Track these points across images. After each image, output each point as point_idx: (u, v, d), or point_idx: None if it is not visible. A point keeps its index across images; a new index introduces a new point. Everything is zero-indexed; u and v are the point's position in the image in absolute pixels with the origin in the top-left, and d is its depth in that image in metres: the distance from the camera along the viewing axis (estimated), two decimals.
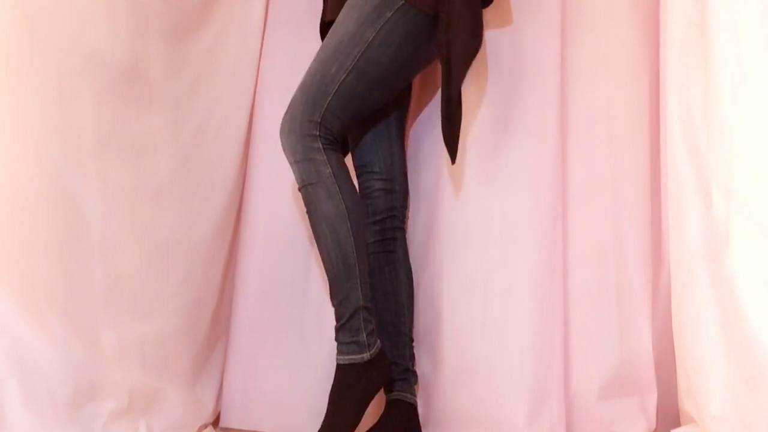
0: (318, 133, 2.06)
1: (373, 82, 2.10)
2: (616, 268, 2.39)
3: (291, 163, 2.08)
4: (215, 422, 2.40)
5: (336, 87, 2.07)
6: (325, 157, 2.06)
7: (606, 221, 2.41)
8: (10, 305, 1.75)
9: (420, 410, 2.33)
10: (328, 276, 2.08)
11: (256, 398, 2.39)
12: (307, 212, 2.08)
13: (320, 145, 2.07)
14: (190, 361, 2.28)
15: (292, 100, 2.11)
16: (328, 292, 2.09)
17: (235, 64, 2.44)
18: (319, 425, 2.03)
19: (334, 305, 2.07)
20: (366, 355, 2.05)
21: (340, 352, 2.06)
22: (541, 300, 2.35)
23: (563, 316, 2.36)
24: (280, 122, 2.11)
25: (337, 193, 2.06)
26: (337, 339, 2.07)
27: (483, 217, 2.42)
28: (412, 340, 2.31)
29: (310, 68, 2.12)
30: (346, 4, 2.14)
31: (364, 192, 2.28)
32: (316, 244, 2.10)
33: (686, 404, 2.12)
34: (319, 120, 2.06)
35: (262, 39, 2.51)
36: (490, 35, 2.41)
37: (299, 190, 2.08)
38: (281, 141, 2.10)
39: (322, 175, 2.06)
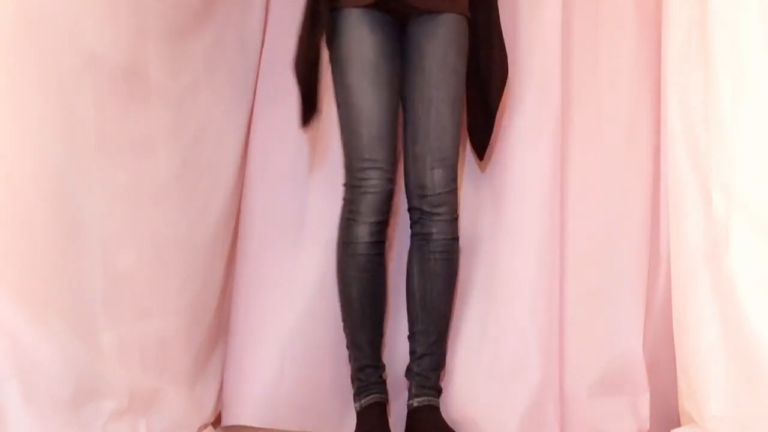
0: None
1: None
2: (611, 269, 2.40)
3: (451, 220, 2.23)
4: (215, 422, 2.40)
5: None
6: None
7: (604, 222, 2.42)
8: (10, 305, 1.74)
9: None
10: (441, 322, 2.26)
11: (255, 396, 2.39)
12: (452, 261, 2.25)
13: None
14: (190, 361, 2.28)
15: (439, 149, 2.21)
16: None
17: (235, 64, 2.44)
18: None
19: (436, 351, 2.26)
20: None
21: (437, 396, 2.26)
22: (540, 301, 2.35)
23: (559, 317, 2.36)
24: (432, 175, 2.21)
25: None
26: (435, 386, 2.26)
27: (482, 218, 2.42)
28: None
29: (453, 122, 2.21)
30: (452, 42, 2.23)
31: (368, 189, 2.21)
32: (431, 286, 2.24)
33: (686, 404, 2.12)
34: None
35: (262, 39, 2.51)
36: None
37: (453, 242, 2.24)
38: (438, 196, 2.21)
39: (457, 234, 2.27)
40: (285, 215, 2.48)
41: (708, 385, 2.00)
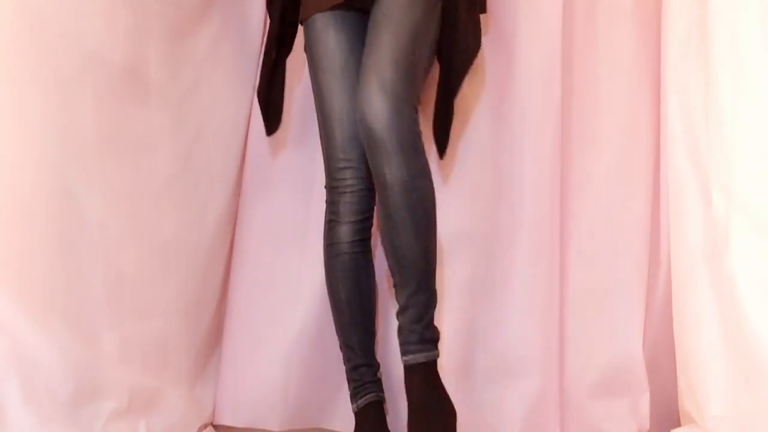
0: (417, 120, 2.04)
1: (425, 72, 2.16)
2: (611, 269, 2.40)
3: (394, 153, 1.99)
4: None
5: (419, 75, 2.10)
6: (424, 148, 2.05)
7: (604, 222, 2.42)
8: (10, 305, 1.74)
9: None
10: (417, 271, 2.04)
11: (250, 396, 2.39)
12: (412, 206, 2.01)
13: (420, 134, 2.05)
14: (190, 361, 2.28)
15: (376, 76, 2.01)
16: (405, 287, 2.04)
17: (235, 64, 2.44)
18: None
19: (417, 301, 2.05)
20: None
21: (427, 350, 2.09)
22: (539, 301, 2.35)
23: (559, 317, 2.36)
24: (364, 102, 2.00)
25: (434, 191, 2.07)
26: (421, 339, 2.09)
27: (480, 217, 2.42)
28: None
29: (392, 46, 2.04)
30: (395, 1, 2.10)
31: (345, 189, 2.17)
32: (396, 233, 2.03)
33: (686, 404, 2.12)
34: (417, 107, 2.06)
35: (262, 39, 2.50)
36: (490, 36, 2.41)
37: (401, 183, 1.99)
38: (376, 125, 1.99)
39: (428, 170, 2.05)
40: (285, 216, 2.48)
41: (708, 385, 2.00)
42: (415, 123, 2.03)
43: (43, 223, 1.84)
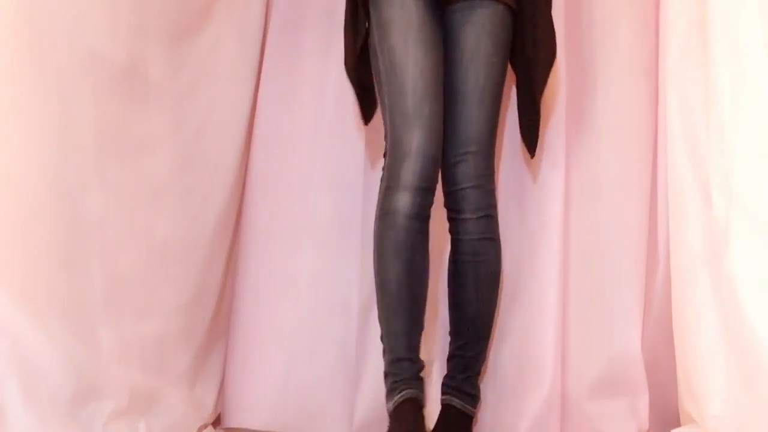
0: (495, 186, 2.17)
1: None
2: (610, 269, 2.40)
3: (477, 219, 2.11)
4: (215, 422, 2.40)
5: (497, 131, 2.17)
6: (497, 214, 2.17)
7: (603, 222, 2.42)
8: (10, 305, 1.74)
9: None
10: (471, 328, 2.16)
11: (256, 398, 2.39)
12: (479, 266, 2.13)
13: (496, 200, 2.17)
14: (190, 361, 2.28)
15: (462, 142, 2.10)
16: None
17: (235, 64, 2.44)
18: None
19: (465, 354, 2.18)
20: (477, 411, 2.22)
21: (462, 399, 2.18)
22: (540, 302, 2.35)
23: (559, 317, 2.37)
24: (454, 170, 2.10)
25: (500, 257, 2.18)
26: (458, 388, 2.18)
27: None
28: None
29: (481, 112, 2.12)
30: (485, 33, 2.13)
31: (410, 151, 2.05)
32: (464, 292, 2.15)
33: (686, 404, 2.12)
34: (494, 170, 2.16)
35: (263, 38, 2.51)
36: None
37: (473, 243, 2.12)
38: (460, 191, 2.11)
39: (498, 236, 2.16)
40: (286, 215, 2.48)
41: (708, 385, 2.00)
42: (493, 184, 2.14)
43: (43, 223, 1.84)
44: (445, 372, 2.22)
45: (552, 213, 2.38)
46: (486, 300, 2.16)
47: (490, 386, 2.35)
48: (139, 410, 1.98)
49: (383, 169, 2.09)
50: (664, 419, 2.33)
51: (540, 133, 2.20)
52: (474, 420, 2.21)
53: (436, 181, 2.08)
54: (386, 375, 2.09)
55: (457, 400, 2.17)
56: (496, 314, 2.22)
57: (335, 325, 2.40)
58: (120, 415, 1.91)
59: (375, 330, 2.37)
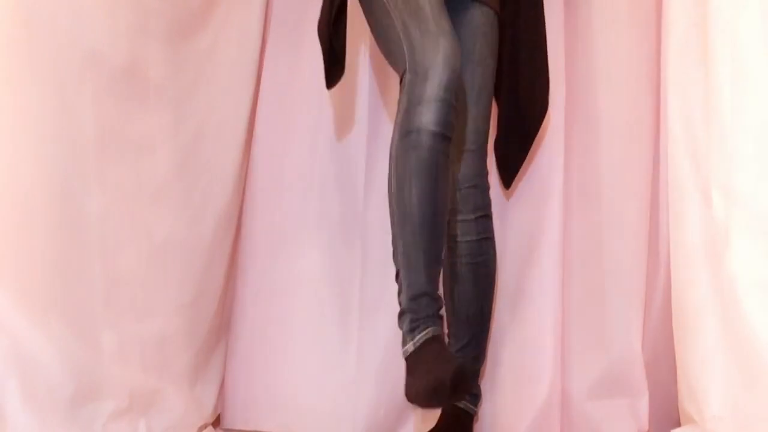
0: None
1: None
2: (610, 269, 2.40)
3: (475, 219, 2.16)
4: (215, 422, 2.40)
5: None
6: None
7: (603, 222, 2.42)
8: (10, 305, 1.74)
9: (420, 412, 2.33)
10: (471, 328, 2.19)
11: (257, 398, 2.39)
12: (476, 266, 2.18)
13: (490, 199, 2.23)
14: (190, 361, 2.28)
15: (460, 141, 2.12)
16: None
17: (235, 64, 2.44)
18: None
19: (466, 355, 2.17)
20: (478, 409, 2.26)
21: (465, 400, 2.19)
22: (540, 302, 2.35)
23: (559, 318, 2.37)
24: (460, 171, 2.14)
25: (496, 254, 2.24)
26: None
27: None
28: None
29: (478, 112, 2.16)
30: (480, 33, 2.16)
31: (434, 63, 1.89)
32: (464, 291, 2.18)
33: (686, 404, 2.12)
34: None
35: (263, 38, 2.51)
36: None
37: (470, 244, 2.16)
38: (463, 193, 2.15)
39: (492, 233, 2.24)
40: (286, 215, 2.48)
41: (708, 385, 2.00)
42: (488, 183, 2.20)
43: (43, 223, 1.84)
44: None
45: (552, 213, 2.38)
46: (485, 300, 2.19)
47: (489, 386, 2.35)
48: (139, 410, 1.98)
49: (402, 84, 1.91)
50: (664, 419, 2.33)
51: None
52: (475, 419, 2.22)
53: (459, 102, 1.92)
54: (402, 313, 1.87)
55: (460, 402, 2.18)
56: (493, 312, 2.25)
57: (336, 325, 2.40)
58: (120, 415, 1.91)
59: (376, 331, 2.38)
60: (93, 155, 1.96)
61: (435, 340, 1.82)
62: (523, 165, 2.36)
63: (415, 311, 1.84)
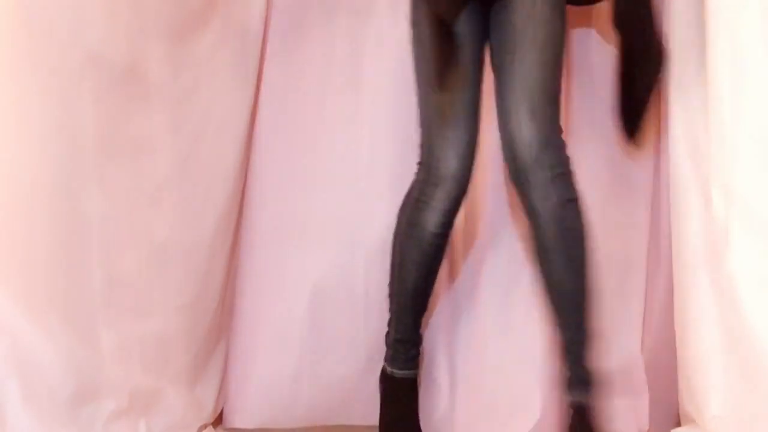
0: (565, 145, 2.00)
1: None
2: (610, 269, 2.39)
3: (543, 183, 1.95)
4: (215, 422, 2.40)
5: (558, 92, 2.02)
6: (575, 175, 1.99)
7: (603, 223, 2.41)
8: (10, 305, 1.74)
9: (423, 414, 2.32)
10: (569, 301, 1.99)
11: (257, 398, 2.39)
12: (567, 229, 1.96)
13: (569, 159, 2.00)
14: (190, 361, 2.28)
15: (526, 102, 1.96)
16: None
17: (235, 64, 2.44)
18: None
19: (581, 339, 2.01)
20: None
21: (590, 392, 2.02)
22: (540, 302, 2.35)
23: None
24: (513, 131, 1.96)
25: (585, 211, 1.99)
26: (588, 380, 2.01)
27: (484, 221, 2.42)
28: None
29: (540, 67, 1.98)
30: None
31: (446, 171, 2.09)
32: (548, 266, 1.99)
33: (686, 404, 2.12)
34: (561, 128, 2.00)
35: (263, 38, 2.51)
36: None
37: (550, 212, 1.95)
38: (526, 155, 1.95)
39: (578, 198, 1.99)
40: (286, 215, 2.48)
41: (708, 385, 2.00)
42: (563, 149, 2.00)
43: (43, 223, 1.85)
44: None
45: None
46: (580, 270, 2.01)
47: (489, 385, 2.35)
48: (139, 410, 1.98)
49: (417, 178, 2.14)
50: (664, 419, 2.33)
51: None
52: (590, 410, 2.03)
53: (466, 194, 2.12)
54: (388, 344, 2.23)
55: (572, 393, 2.04)
56: (592, 284, 2.03)
57: (337, 326, 2.40)
58: (120, 415, 1.91)
59: (377, 331, 2.38)
60: (93, 155, 1.96)
61: (408, 386, 2.21)
62: None
63: (398, 350, 2.21)
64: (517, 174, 1.99)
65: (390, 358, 2.24)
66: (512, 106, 1.98)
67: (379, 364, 2.33)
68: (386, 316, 2.31)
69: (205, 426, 2.29)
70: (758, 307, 1.86)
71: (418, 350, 2.25)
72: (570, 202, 1.98)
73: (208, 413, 2.34)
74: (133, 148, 2.09)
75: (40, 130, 1.84)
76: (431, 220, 2.10)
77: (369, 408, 2.34)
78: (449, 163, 2.06)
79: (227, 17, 2.40)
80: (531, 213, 1.98)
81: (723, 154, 1.95)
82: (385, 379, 2.25)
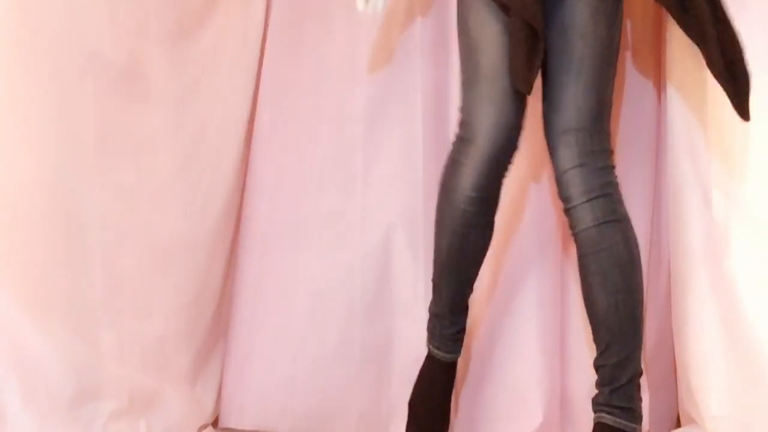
0: (612, 164, 1.92)
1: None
2: None
3: (588, 202, 1.89)
4: (215, 422, 2.40)
5: (609, 106, 1.94)
6: (620, 193, 1.92)
7: None
8: (10, 305, 1.74)
9: None
10: (607, 329, 1.89)
11: (257, 398, 2.39)
12: (599, 257, 1.90)
13: (615, 179, 1.92)
14: (190, 361, 2.28)
15: (564, 120, 1.92)
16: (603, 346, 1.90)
17: (236, 64, 2.44)
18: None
19: (606, 362, 1.90)
20: (638, 427, 1.91)
21: (613, 414, 1.90)
22: (543, 303, 2.34)
23: (559, 318, 2.36)
24: (558, 152, 1.92)
25: (633, 237, 1.92)
26: (608, 402, 1.91)
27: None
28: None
29: (581, 76, 1.91)
30: (583, 3, 1.92)
31: (482, 127, 1.98)
32: (591, 289, 1.91)
33: (686, 404, 2.12)
34: (610, 148, 1.91)
35: (263, 38, 2.50)
36: None
37: (588, 234, 1.89)
38: (564, 175, 1.90)
39: (620, 215, 1.91)
40: (286, 215, 2.47)
41: (708, 385, 2.00)
42: (605, 168, 1.92)
43: (43, 223, 1.84)
44: None
45: (551, 212, 2.37)
46: (619, 295, 1.91)
47: (489, 387, 2.35)
48: (139, 410, 1.98)
49: (456, 136, 2.03)
50: (664, 419, 2.33)
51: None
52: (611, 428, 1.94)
53: (508, 165, 2.01)
54: (429, 313, 2.13)
55: (607, 416, 1.93)
56: (639, 309, 1.93)
57: (336, 326, 2.39)
58: (120, 415, 1.91)
59: (377, 331, 2.37)
60: (93, 155, 1.96)
61: (441, 369, 2.11)
62: (523, 166, 2.35)
63: (434, 325, 2.11)
64: (561, 194, 1.94)
65: (429, 331, 2.12)
66: (557, 125, 1.94)
67: (376, 365, 2.33)
68: (383, 315, 2.31)
69: (205, 426, 2.29)
70: (758, 307, 1.86)
71: (457, 331, 2.09)
72: (608, 224, 1.91)
73: (208, 413, 2.34)
74: (134, 148, 2.09)
75: (40, 130, 1.84)
76: (465, 182, 1.98)
77: (365, 412, 2.34)
78: (483, 118, 1.96)
79: (227, 17, 2.40)
80: (574, 234, 1.95)
81: (723, 155, 1.95)
82: (427, 355, 2.13)
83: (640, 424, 1.94)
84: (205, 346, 2.36)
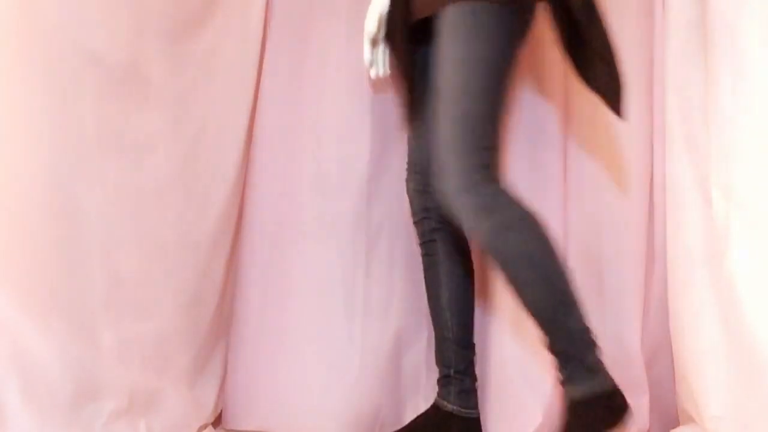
0: (489, 173, 1.92)
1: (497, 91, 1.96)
2: (609, 270, 2.39)
3: (467, 219, 1.90)
4: (215, 422, 2.40)
5: (487, 112, 1.93)
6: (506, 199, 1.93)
7: (601, 222, 2.42)
8: (10, 305, 1.75)
9: None
10: (536, 319, 1.90)
11: (257, 398, 2.39)
12: (503, 262, 1.90)
13: (496, 188, 1.93)
14: (190, 361, 2.28)
15: (438, 158, 1.93)
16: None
17: (235, 64, 2.44)
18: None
19: (549, 348, 1.93)
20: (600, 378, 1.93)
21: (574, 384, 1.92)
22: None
23: None
24: (435, 176, 1.95)
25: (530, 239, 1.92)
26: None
27: None
28: (466, 345, 2.26)
29: (444, 102, 1.94)
30: (443, 37, 1.96)
31: (410, 191, 2.30)
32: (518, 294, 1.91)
33: (686, 404, 2.12)
34: (490, 148, 1.94)
35: (263, 38, 2.51)
36: None
37: (486, 246, 1.90)
38: (447, 198, 1.92)
39: (512, 221, 1.92)
40: (286, 215, 2.48)
41: (708, 385, 2.00)
42: (484, 180, 1.91)
43: (44, 223, 1.85)
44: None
45: (550, 212, 2.37)
46: (526, 287, 1.92)
47: (488, 386, 2.35)
48: (139, 410, 1.98)
49: None
50: (664, 419, 2.33)
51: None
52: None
53: (429, 209, 2.24)
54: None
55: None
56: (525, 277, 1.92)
57: (337, 326, 2.39)
58: (120, 415, 1.91)
59: (379, 331, 2.38)
60: (93, 155, 1.96)
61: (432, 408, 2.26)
62: (523, 166, 2.36)
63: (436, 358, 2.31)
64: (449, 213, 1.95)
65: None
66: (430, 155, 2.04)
67: (379, 366, 2.33)
68: (387, 317, 2.32)
69: (205, 426, 2.29)
70: (758, 307, 1.87)
71: (458, 384, 2.24)
72: (500, 230, 1.91)
73: (208, 413, 2.34)
74: (133, 148, 2.09)
75: (40, 129, 1.84)
76: (417, 231, 2.30)
77: (367, 412, 2.34)
78: (409, 181, 2.27)
79: (227, 17, 2.40)
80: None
81: (723, 154, 1.96)
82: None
83: (601, 373, 1.93)
84: (205, 346, 2.37)
